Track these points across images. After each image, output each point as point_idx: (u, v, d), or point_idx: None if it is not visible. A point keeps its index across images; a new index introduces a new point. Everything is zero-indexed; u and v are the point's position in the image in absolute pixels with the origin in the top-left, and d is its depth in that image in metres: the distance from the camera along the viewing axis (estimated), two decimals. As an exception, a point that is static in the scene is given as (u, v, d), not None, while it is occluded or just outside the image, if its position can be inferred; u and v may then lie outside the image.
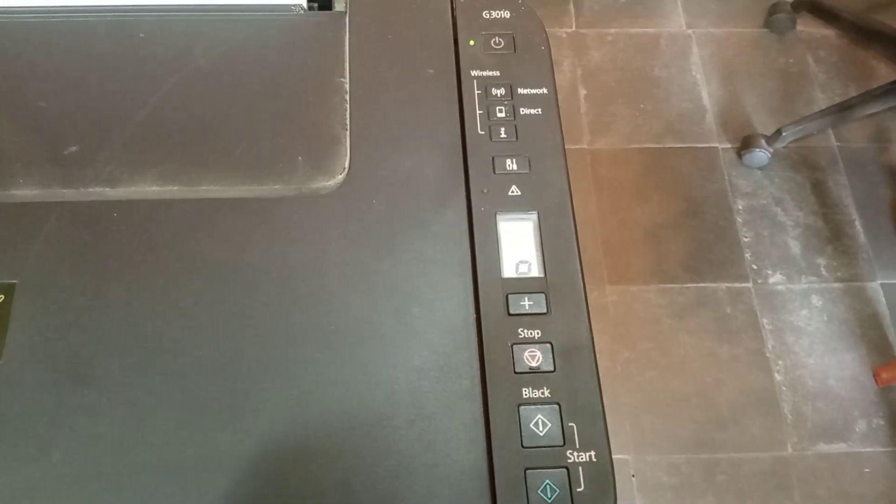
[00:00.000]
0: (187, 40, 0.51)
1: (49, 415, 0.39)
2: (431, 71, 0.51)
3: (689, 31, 1.58)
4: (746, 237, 1.36)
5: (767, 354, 1.26)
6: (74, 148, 0.46)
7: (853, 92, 1.48)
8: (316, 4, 0.55)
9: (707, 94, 1.50)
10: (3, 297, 0.42)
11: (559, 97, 0.50)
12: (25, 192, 0.45)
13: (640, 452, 1.18)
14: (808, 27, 1.58)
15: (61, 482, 0.37)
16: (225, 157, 0.47)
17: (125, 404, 0.39)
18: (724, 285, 1.32)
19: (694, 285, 1.32)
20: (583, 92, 1.49)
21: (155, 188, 0.45)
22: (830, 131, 1.46)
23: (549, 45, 0.52)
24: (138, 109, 0.48)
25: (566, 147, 0.48)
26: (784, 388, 1.24)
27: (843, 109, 1.39)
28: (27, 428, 0.39)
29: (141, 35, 0.51)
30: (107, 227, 0.44)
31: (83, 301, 0.42)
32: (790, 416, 1.22)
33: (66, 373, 0.40)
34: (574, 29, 1.57)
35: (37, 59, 0.50)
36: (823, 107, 1.45)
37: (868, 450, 1.20)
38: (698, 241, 1.36)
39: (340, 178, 0.46)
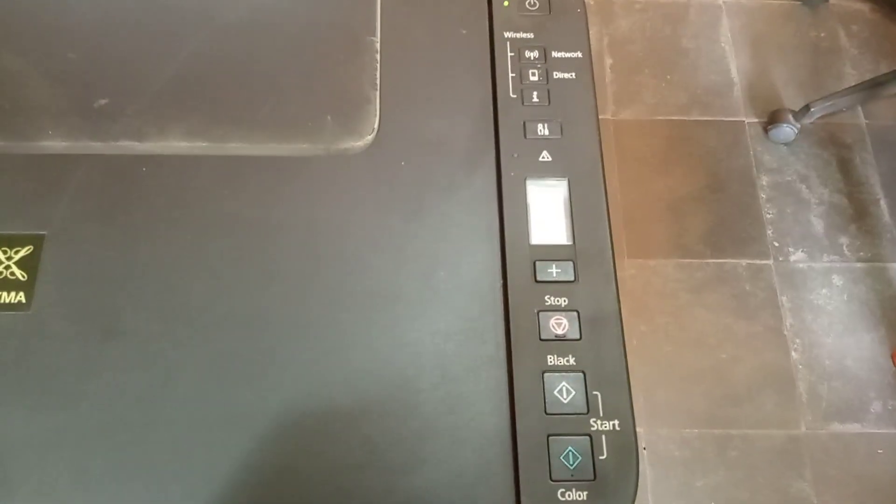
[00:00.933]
0: (217, -6, 0.50)
1: (77, 366, 0.39)
2: (464, 31, 0.50)
3: (720, 2, 1.54)
4: (769, 213, 1.35)
5: (785, 332, 1.26)
6: (104, 101, 0.46)
7: (884, 68, 1.45)
8: (347, -39, 0.54)
9: (735, 67, 1.47)
10: (31, 248, 0.42)
11: (588, 64, 0.49)
12: (55, 144, 0.45)
13: (652, 426, 1.19)
14: (841, 0, 1.54)
15: (89, 431, 0.38)
16: (253, 114, 0.46)
17: (151, 357, 0.40)
18: (744, 262, 1.31)
19: (714, 261, 1.30)
20: (608, 61, 1.47)
21: (183, 144, 0.45)
22: (859, 108, 1.43)
23: (584, 8, 0.51)
24: (167, 64, 0.48)
25: (593, 116, 0.48)
26: (800, 367, 1.23)
27: (873, 86, 1.36)
28: (56, 378, 0.39)
29: (171, -12, 0.51)
30: (135, 181, 0.44)
31: (111, 254, 0.42)
32: (805, 395, 1.21)
33: (94, 325, 0.40)
34: (602, -4, 1.54)
35: (67, 11, 0.50)
36: (853, 83, 1.42)
37: (882, 431, 1.19)
38: (720, 216, 1.34)
39: (369, 138, 0.46)
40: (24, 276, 0.41)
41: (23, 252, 0.42)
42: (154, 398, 0.39)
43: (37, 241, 0.42)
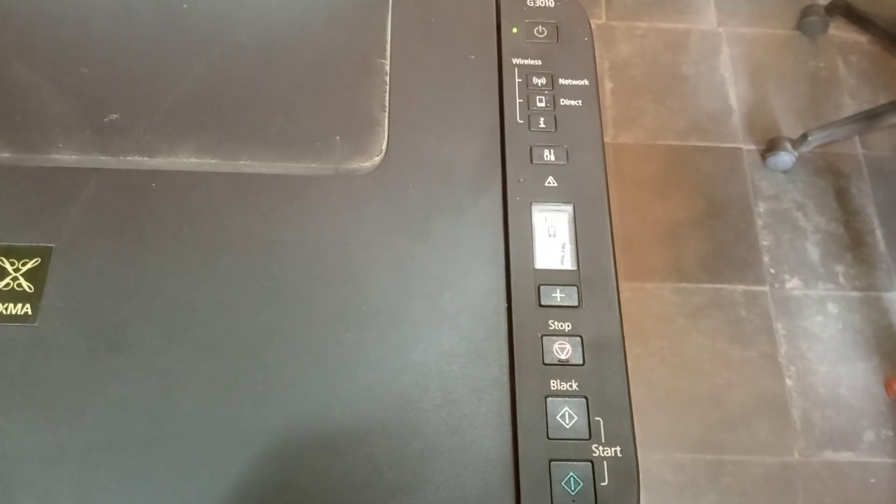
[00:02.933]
0: (230, 14, 0.51)
1: (82, 379, 0.39)
2: (473, 57, 0.50)
3: (720, 30, 1.56)
4: (766, 240, 1.36)
5: (780, 359, 1.26)
6: (115, 116, 0.47)
7: (882, 100, 1.47)
8: (359, -16, 0.55)
9: (734, 94, 1.49)
10: (39, 260, 0.42)
11: (593, 90, 0.50)
12: (65, 157, 0.45)
13: (646, 449, 1.19)
14: (840, 32, 1.57)
15: (93, 445, 0.38)
16: (263, 132, 0.47)
17: (157, 372, 0.40)
18: (740, 287, 1.31)
19: (710, 286, 1.31)
20: (609, 85, 1.48)
21: (193, 160, 0.46)
22: (857, 138, 1.44)
23: (592, 37, 0.51)
24: (179, 81, 0.48)
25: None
26: (795, 394, 1.23)
27: (871, 117, 1.38)
28: (60, 391, 0.39)
29: (184, 6, 0.51)
30: (144, 196, 0.44)
31: (119, 268, 0.42)
32: (799, 422, 1.22)
33: (100, 338, 0.40)
34: (604, 21, 1.56)
35: (81, 27, 0.50)
36: (851, 113, 1.44)
37: (875, 460, 1.20)
38: (717, 241, 1.35)
39: (377, 159, 0.46)
40: (31, 288, 0.41)
41: (30, 264, 0.42)
42: (158, 413, 0.39)
43: (45, 254, 0.42)
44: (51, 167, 0.45)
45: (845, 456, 1.20)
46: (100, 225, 0.43)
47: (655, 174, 1.40)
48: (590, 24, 0.52)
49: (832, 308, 1.31)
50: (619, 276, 0.44)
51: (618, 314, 0.43)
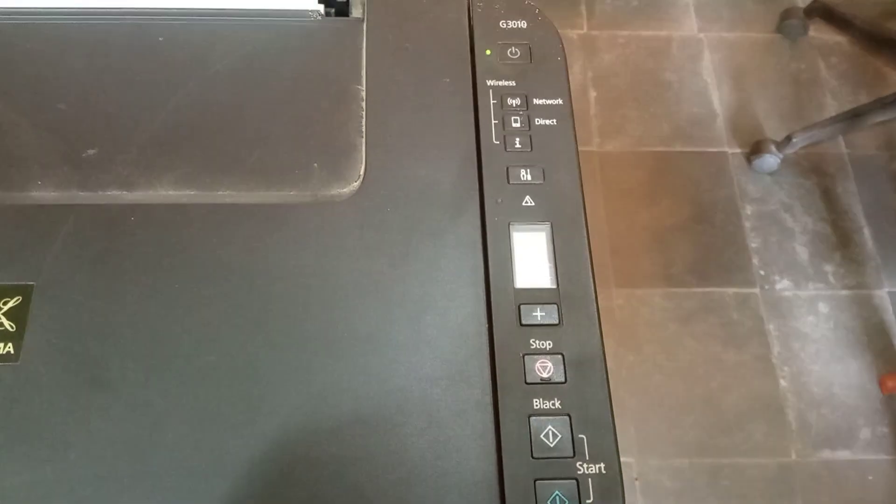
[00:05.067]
0: (205, 45, 0.51)
1: (65, 416, 0.39)
2: (447, 80, 0.51)
3: (701, 35, 1.58)
4: (754, 243, 1.36)
5: (773, 360, 1.27)
6: (92, 151, 0.47)
7: (864, 99, 1.48)
8: (333, 11, 0.55)
9: (718, 99, 1.50)
10: (20, 298, 0.42)
11: (569, 99, 0.51)
12: (44, 195, 0.45)
13: (643, 456, 1.19)
14: (820, 33, 1.58)
15: (77, 483, 0.38)
16: (241, 162, 0.47)
17: (140, 407, 0.40)
18: (730, 290, 1.32)
19: (701, 290, 1.32)
20: (593, 94, 1.49)
21: (171, 192, 0.46)
22: (841, 138, 1.46)
23: (565, 56, 0.52)
24: (156, 113, 0.48)
25: (575, 149, 0.49)
26: (789, 395, 1.24)
27: (853, 117, 1.39)
28: (44, 429, 0.39)
29: (160, 39, 0.51)
30: (123, 231, 0.44)
31: (99, 304, 0.42)
32: (794, 423, 1.22)
33: (82, 375, 0.40)
34: (585, 31, 1.57)
35: (57, 62, 0.50)
36: (834, 113, 1.45)
37: (872, 458, 1.20)
38: (706, 245, 1.36)
39: (356, 185, 0.47)
40: (12, 327, 0.41)
41: (11, 303, 0.42)
42: (142, 448, 0.39)
43: (26, 292, 0.42)
44: (30, 204, 0.45)
45: (842, 455, 1.20)
46: (80, 261, 0.43)
47: (642, 181, 1.41)
48: (562, 43, 0.53)
49: (823, 307, 1.31)
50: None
51: (598, 330, 0.43)
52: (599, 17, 1.59)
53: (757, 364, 1.26)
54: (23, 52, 0.51)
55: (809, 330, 1.29)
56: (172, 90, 0.49)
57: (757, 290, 1.32)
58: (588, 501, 0.39)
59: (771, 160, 1.40)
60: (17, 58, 0.51)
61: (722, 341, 1.28)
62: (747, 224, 1.38)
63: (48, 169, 0.46)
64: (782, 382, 1.25)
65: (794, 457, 1.20)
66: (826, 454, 1.20)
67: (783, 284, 1.33)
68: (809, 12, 1.56)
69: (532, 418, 0.41)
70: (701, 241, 1.36)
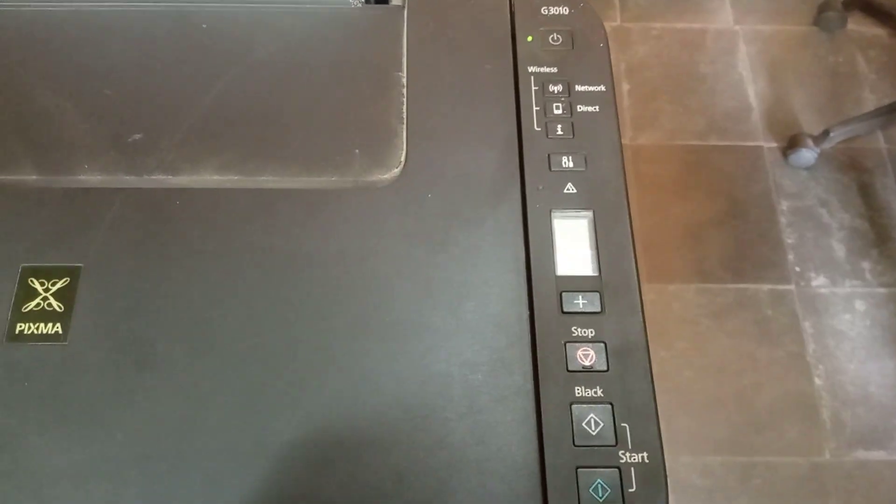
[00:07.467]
0: (248, 32, 0.52)
1: (111, 396, 0.40)
2: (488, 66, 0.51)
3: (737, 28, 1.55)
4: (790, 238, 1.34)
5: (808, 358, 1.25)
6: (138, 136, 0.47)
7: (904, 93, 1.45)
8: (374, -2, 0.56)
9: (753, 92, 1.48)
10: (68, 279, 0.43)
11: (607, 92, 0.50)
12: (91, 178, 0.46)
13: (673, 453, 1.18)
14: (858, 26, 1.55)
15: (124, 462, 0.39)
16: (283, 148, 0.47)
17: (185, 388, 0.40)
18: (765, 287, 1.30)
19: (734, 286, 1.30)
20: (626, 87, 1.48)
21: (215, 177, 0.46)
22: (879, 133, 1.43)
23: (607, 43, 0.51)
24: (199, 100, 0.49)
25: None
26: (824, 393, 1.22)
27: (892, 111, 1.36)
28: (91, 408, 0.40)
29: (203, 26, 0.52)
30: (169, 214, 0.45)
31: (145, 286, 0.43)
32: (829, 422, 1.20)
33: (128, 356, 0.41)
34: (619, 23, 1.55)
35: (103, 49, 0.51)
36: (873, 108, 1.42)
37: (908, 458, 1.18)
38: (740, 241, 1.34)
39: (396, 171, 0.47)
40: (60, 308, 0.42)
41: (60, 284, 0.43)
42: (188, 428, 0.39)
43: (73, 273, 0.43)
44: (77, 188, 0.46)
45: (877, 455, 1.18)
46: (126, 243, 0.44)
47: (675, 174, 1.40)
48: (604, 29, 0.52)
49: (860, 305, 1.29)
50: (641, 280, 0.44)
51: (641, 319, 0.43)
52: (633, 9, 1.57)
53: (791, 362, 1.25)
54: (69, 39, 0.52)
55: (845, 328, 1.27)
56: (215, 77, 0.50)
57: (792, 287, 1.30)
58: (630, 490, 0.38)
59: (808, 155, 1.38)
60: (64, 44, 0.51)
61: (756, 338, 1.26)
62: (783, 220, 1.36)
63: (95, 153, 0.47)
64: (817, 381, 1.23)
65: (827, 456, 1.18)
66: (860, 454, 1.18)
67: (819, 281, 1.31)
68: (848, 5, 1.53)
69: (574, 406, 0.40)
70: (735, 236, 1.34)
